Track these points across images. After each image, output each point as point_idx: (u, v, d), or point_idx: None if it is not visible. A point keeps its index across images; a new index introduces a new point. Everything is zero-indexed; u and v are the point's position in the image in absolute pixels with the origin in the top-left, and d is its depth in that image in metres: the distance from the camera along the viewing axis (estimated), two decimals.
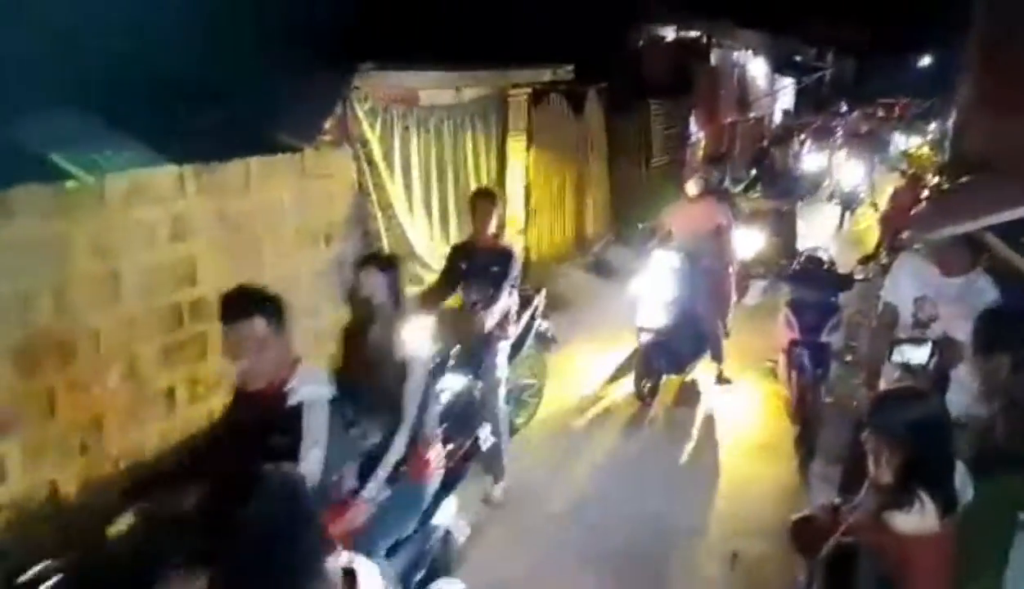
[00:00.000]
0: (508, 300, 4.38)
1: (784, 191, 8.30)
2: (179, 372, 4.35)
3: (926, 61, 20.56)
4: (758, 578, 3.80)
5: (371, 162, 5.55)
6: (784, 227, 7.92)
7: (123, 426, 4.07)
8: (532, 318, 4.95)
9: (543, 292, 5.24)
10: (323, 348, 5.31)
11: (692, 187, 5.92)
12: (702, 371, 6.03)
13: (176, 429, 4.35)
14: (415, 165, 6.05)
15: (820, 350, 4.70)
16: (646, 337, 5.52)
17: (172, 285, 4.26)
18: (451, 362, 4.37)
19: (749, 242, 7.12)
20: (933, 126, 14.28)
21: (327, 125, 5.23)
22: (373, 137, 5.55)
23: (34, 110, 3.79)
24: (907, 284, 3.45)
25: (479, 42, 6.74)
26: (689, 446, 5.16)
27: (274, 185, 4.86)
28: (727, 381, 5.97)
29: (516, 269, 4.38)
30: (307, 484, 1.45)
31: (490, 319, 4.23)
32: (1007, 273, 3.37)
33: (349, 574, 1.43)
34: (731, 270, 6.30)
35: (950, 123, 12.25)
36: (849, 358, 5.37)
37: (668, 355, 5.56)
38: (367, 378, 3.01)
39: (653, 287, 5.49)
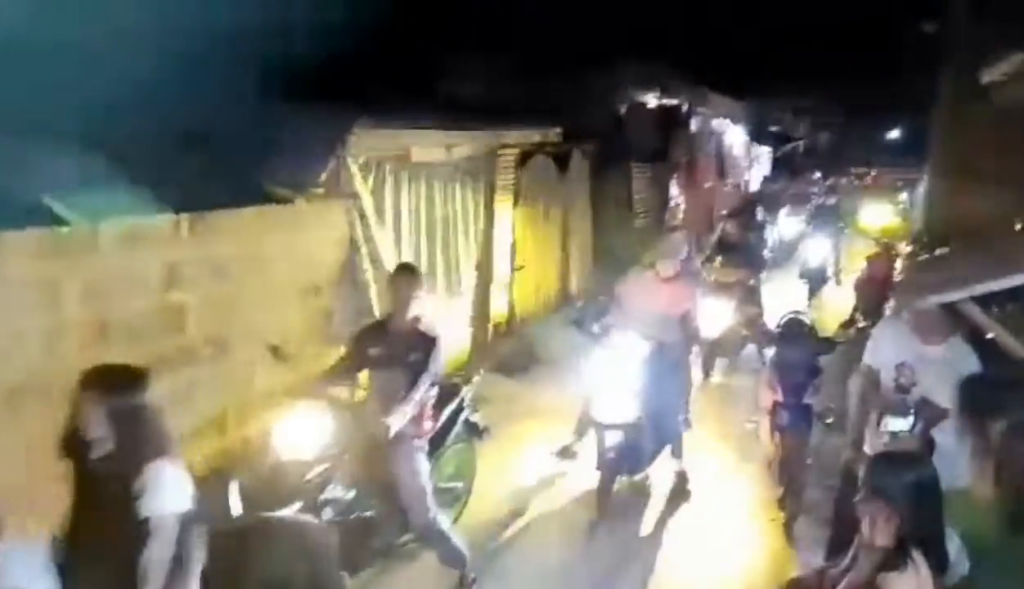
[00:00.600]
0: (424, 395, 3.72)
1: (747, 262, 7.55)
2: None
3: (897, 134, 21.39)
4: None
5: (362, 215, 5.63)
6: (750, 301, 7.38)
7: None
8: (457, 411, 4.32)
9: (474, 381, 4.63)
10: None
11: (666, 267, 5.03)
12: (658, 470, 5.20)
13: None
14: (406, 220, 6.14)
15: (802, 411, 4.76)
16: (609, 436, 4.69)
17: (161, 332, 4.25)
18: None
19: (715, 318, 6.74)
20: (904, 196, 14.76)
21: (321, 178, 5.31)
22: (365, 191, 5.63)
23: (31, 154, 3.82)
24: (888, 349, 3.52)
25: (471, 103, 6.95)
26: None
27: (267, 235, 4.90)
28: (686, 481, 5.19)
29: (439, 360, 3.77)
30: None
31: (398, 420, 3.52)
32: (983, 341, 3.48)
33: None
34: (693, 354, 5.94)
35: (920, 192, 12.71)
36: (830, 420, 5.43)
37: (631, 454, 4.78)
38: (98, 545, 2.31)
39: (613, 375, 4.70)
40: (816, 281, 10.29)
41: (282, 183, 5.12)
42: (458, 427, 4.31)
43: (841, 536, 3.55)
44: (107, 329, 3.94)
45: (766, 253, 9.43)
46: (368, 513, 3.74)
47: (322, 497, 3.53)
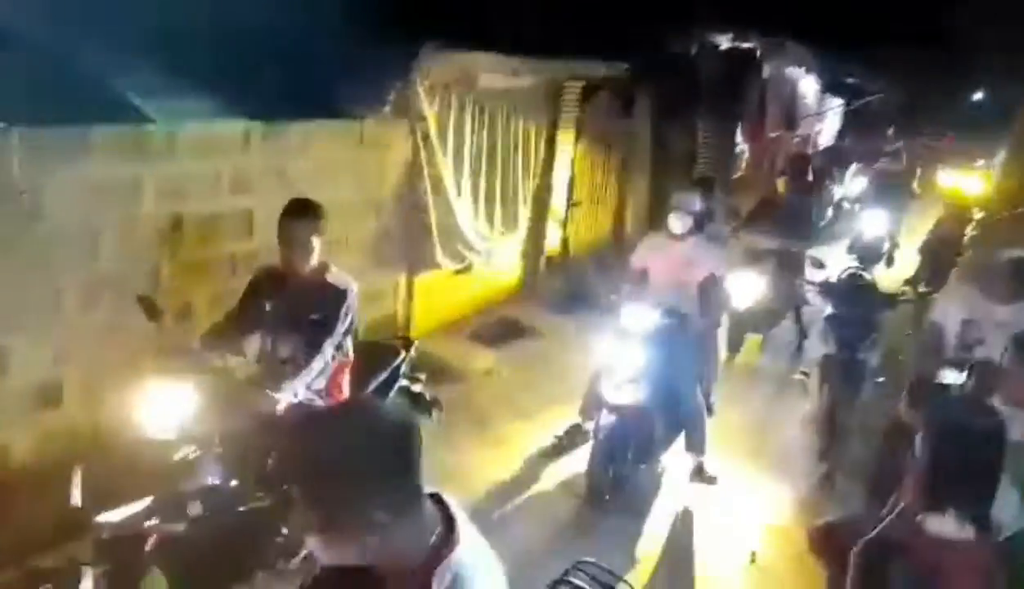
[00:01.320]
0: (328, 362, 3.17)
1: (791, 229, 6.22)
2: None
3: (979, 96, 20.31)
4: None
5: (426, 139, 5.65)
6: (789, 271, 6.19)
7: (175, 371, 4.20)
8: (390, 381, 3.65)
9: (413, 347, 3.98)
10: (362, 315, 5.49)
11: (676, 223, 4.41)
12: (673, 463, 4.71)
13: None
14: (467, 146, 6.14)
15: (855, 366, 4.71)
16: (609, 418, 4.19)
17: (231, 235, 4.39)
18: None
19: (746, 290, 5.77)
20: (981, 162, 14.08)
21: (389, 99, 5.33)
22: (430, 114, 5.63)
23: (120, 54, 3.92)
24: (955, 308, 3.51)
25: (539, 31, 6.81)
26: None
27: (333, 150, 4.98)
28: (711, 479, 4.59)
29: (349, 319, 3.19)
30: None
31: (288, 393, 2.99)
32: None
33: (440, 502, 1.39)
34: (719, 330, 5.18)
35: (996, 160, 12.12)
36: (882, 379, 5.37)
37: (639, 440, 4.25)
38: None
39: (623, 352, 4.19)
40: (868, 258, 8.30)
41: (352, 101, 5.15)
42: (390, 400, 3.54)
43: (879, 493, 3.56)
44: (181, 228, 4.09)
45: (821, 221, 7.91)
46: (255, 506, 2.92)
47: (188, 487, 2.79)
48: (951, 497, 2.10)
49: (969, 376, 3.23)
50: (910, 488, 2.26)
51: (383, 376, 3.63)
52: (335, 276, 3.24)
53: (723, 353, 5.85)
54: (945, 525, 2.09)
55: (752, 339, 6.55)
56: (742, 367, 6.37)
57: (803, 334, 6.80)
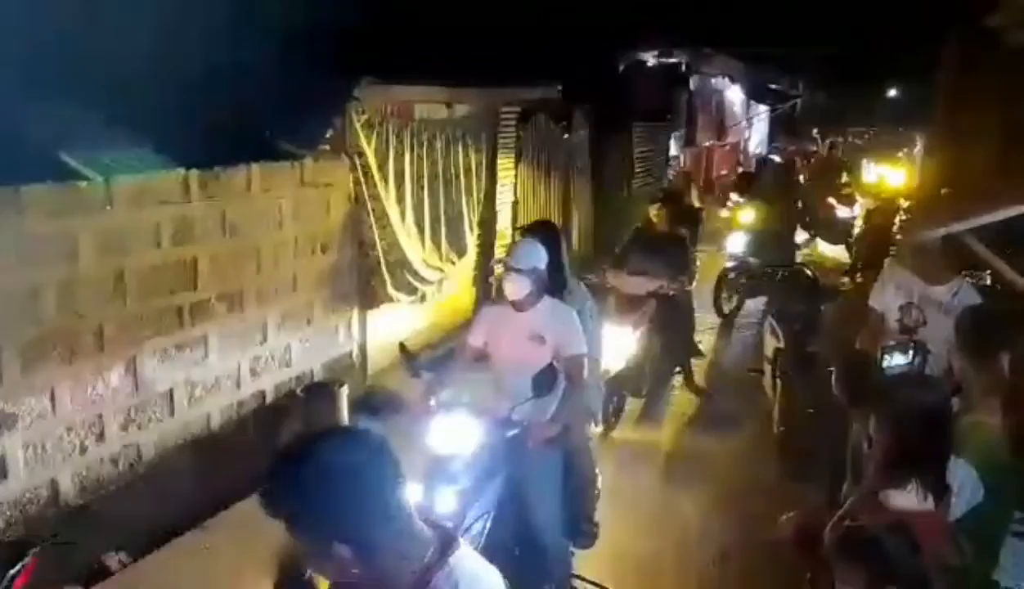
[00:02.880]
0: None
1: (669, 264, 5.52)
2: (179, 374, 4.39)
3: (895, 92, 21.27)
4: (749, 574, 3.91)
5: (367, 173, 5.66)
6: (667, 322, 5.52)
7: (124, 426, 4.09)
8: None
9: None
10: (316, 355, 5.44)
11: (508, 286, 3.32)
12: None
13: (175, 431, 4.38)
14: (409, 177, 6.17)
15: (805, 359, 4.87)
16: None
17: (175, 287, 4.31)
18: None
19: (615, 347, 4.92)
20: (903, 153, 14.74)
21: (327, 136, 5.34)
22: (369, 149, 5.65)
23: (46, 109, 3.84)
24: (892, 292, 3.62)
25: (472, 60, 6.92)
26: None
27: (274, 192, 4.94)
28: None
29: None
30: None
31: None
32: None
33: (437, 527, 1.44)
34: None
35: (916, 150, 12.72)
36: (831, 368, 5.52)
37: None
38: None
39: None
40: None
41: (290, 142, 5.15)
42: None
43: (838, 477, 3.66)
44: (122, 282, 4.00)
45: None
46: None
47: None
48: (911, 472, 2.21)
49: (915, 357, 3.36)
50: (871, 468, 2.35)
51: None
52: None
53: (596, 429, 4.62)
54: (907, 499, 2.18)
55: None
56: (620, 444, 5.25)
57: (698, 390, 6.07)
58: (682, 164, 12.58)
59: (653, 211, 5.96)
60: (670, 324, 5.49)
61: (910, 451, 2.24)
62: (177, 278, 4.32)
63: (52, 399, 3.73)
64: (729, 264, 7.25)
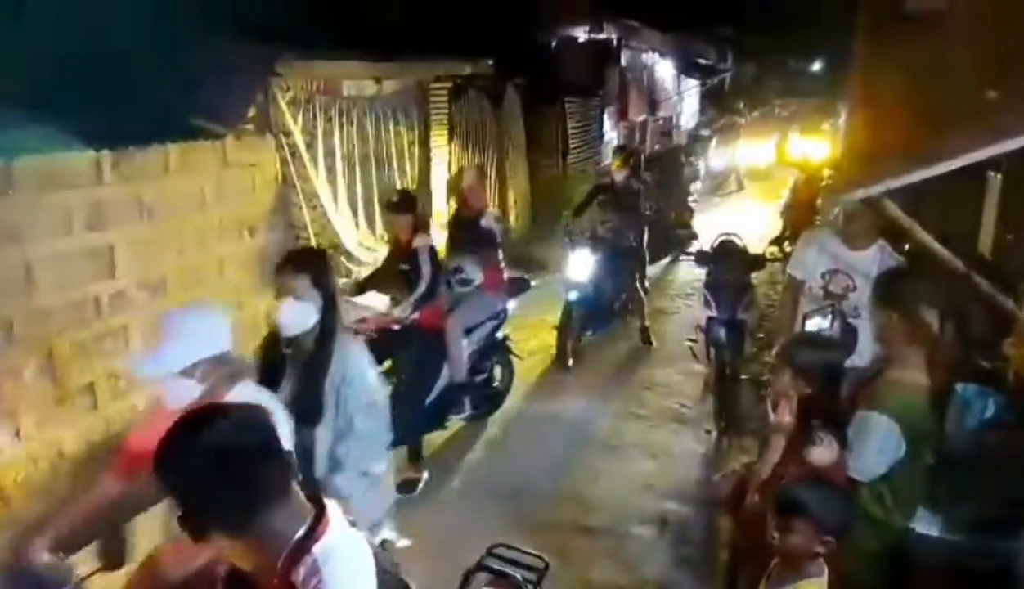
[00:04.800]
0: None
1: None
2: (99, 367, 4.18)
3: (818, 65, 21.87)
4: (686, 540, 3.99)
5: (294, 153, 5.49)
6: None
7: (41, 424, 3.88)
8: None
9: None
10: (245, 341, 5.26)
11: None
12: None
13: (98, 428, 4.18)
14: (338, 156, 6.02)
15: (736, 327, 4.98)
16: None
17: (90, 276, 4.09)
18: None
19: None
20: (827, 125, 15.19)
21: (249, 114, 5.14)
22: (296, 127, 5.48)
23: None
24: (814, 258, 3.63)
25: (400, 34, 6.76)
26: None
27: (195, 173, 4.74)
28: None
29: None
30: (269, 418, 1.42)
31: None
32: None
33: (315, 499, 1.44)
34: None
35: (839, 122, 13.10)
36: (761, 335, 5.70)
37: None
38: None
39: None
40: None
41: (210, 118, 4.93)
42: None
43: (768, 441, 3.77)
44: (32, 273, 3.77)
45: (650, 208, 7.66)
46: None
47: None
48: (824, 427, 2.31)
49: (833, 321, 3.43)
50: (792, 426, 2.45)
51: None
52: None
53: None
54: (824, 454, 2.28)
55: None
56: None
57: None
58: (618, 140, 12.66)
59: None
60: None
61: (821, 408, 2.35)
62: (92, 266, 4.10)
63: None
64: None
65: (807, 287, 3.66)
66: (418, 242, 4.34)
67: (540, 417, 5.27)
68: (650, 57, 14.73)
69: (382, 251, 6.64)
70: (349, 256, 6.13)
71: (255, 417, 1.40)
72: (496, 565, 2.37)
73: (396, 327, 4.24)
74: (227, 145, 4.95)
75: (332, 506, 1.44)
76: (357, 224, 6.31)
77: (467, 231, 4.88)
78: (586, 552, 3.87)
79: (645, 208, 6.85)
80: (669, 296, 8.24)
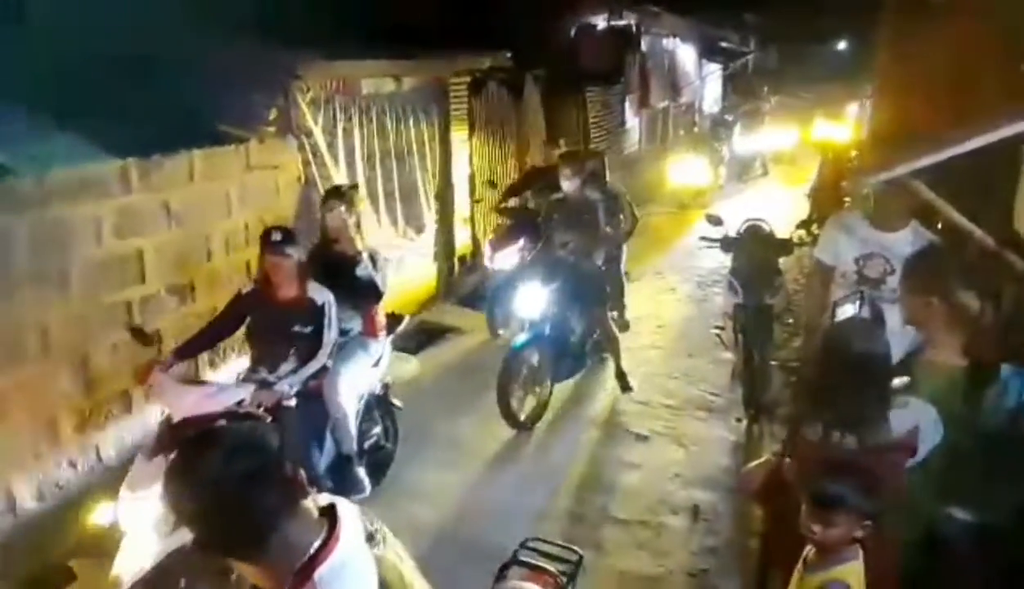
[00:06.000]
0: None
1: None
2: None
3: (843, 47, 21.47)
4: (717, 529, 3.97)
5: (316, 153, 5.53)
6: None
7: (79, 428, 3.98)
8: None
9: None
10: None
11: None
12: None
13: (134, 430, 4.27)
14: (359, 155, 6.05)
15: (763, 313, 4.92)
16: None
17: (121, 282, 4.17)
18: None
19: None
20: (853, 108, 14.92)
21: (270, 116, 5.19)
22: (317, 128, 5.52)
23: None
24: (844, 243, 3.47)
25: (417, 31, 6.77)
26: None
27: (219, 177, 4.80)
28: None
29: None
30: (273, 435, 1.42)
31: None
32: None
33: (329, 512, 1.45)
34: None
35: (866, 102, 12.85)
36: (790, 321, 5.63)
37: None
38: None
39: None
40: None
41: (232, 123, 4.99)
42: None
43: (795, 427, 3.70)
44: (67, 281, 3.86)
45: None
46: None
47: None
48: (838, 414, 2.29)
49: (860, 308, 3.33)
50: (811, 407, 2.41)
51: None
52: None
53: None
54: (833, 440, 2.26)
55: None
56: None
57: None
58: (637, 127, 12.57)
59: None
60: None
61: (835, 395, 2.31)
62: (123, 272, 4.18)
63: (3, 408, 3.60)
64: None
65: (838, 273, 3.51)
66: (315, 293, 3.61)
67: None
68: (671, 42, 14.57)
69: (404, 246, 6.71)
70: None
71: (251, 440, 1.38)
72: (530, 559, 2.38)
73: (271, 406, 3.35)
74: (250, 148, 5.00)
75: (347, 514, 1.42)
76: (379, 221, 6.34)
77: (340, 275, 3.86)
78: (619, 542, 3.87)
79: (608, 223, 5.52)
80: (695, 283, 8.18)
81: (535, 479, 4.42)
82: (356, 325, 4.11)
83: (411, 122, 6.74)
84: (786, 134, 16.34)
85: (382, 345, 4.21)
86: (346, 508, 1.44)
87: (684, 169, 12.58)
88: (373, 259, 3.99)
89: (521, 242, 6.07)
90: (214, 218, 4.78)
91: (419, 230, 6.98)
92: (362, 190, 6.05)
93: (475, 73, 7.65)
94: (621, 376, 5.45)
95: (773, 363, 5.27)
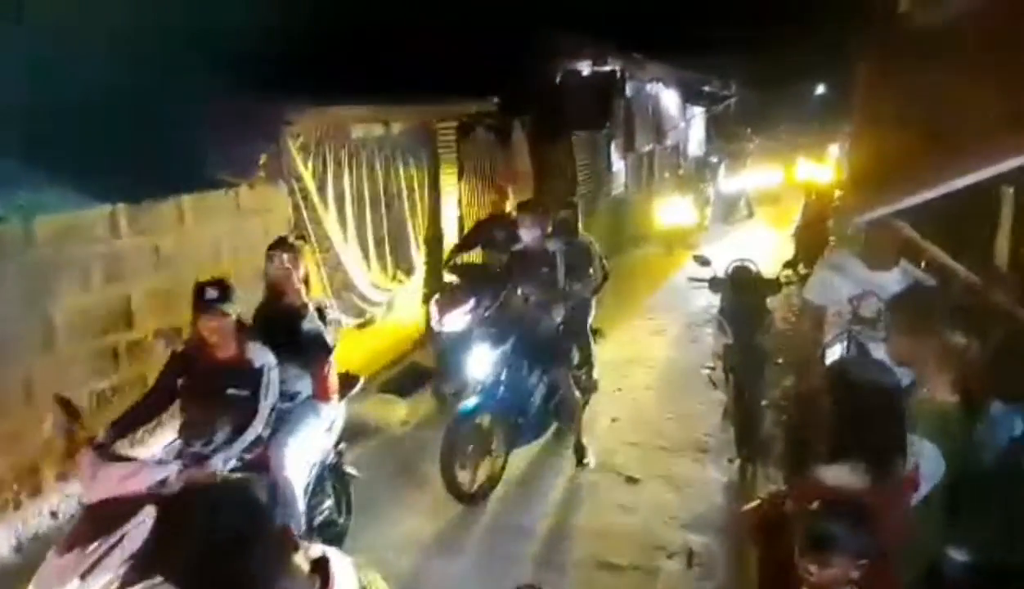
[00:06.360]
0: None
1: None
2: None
3: (822, 89, 21.99)
4: (713, 572, 3.91)
5: (306, 197, 5.56)
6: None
7: (62, 476, 3.90)
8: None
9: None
10: None
11: None
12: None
13: None
14: (349, 199, 6.08)
15: (754, 352, 4.93)
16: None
17: (109, 327, 4.14)
18: None
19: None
20: (834, 149, 15.22)
21: (261, 161, 5.22)
22: (307, 172, 5.56)
23: None
24: (839, 283, 3.43)
25: (405, 77, 6.88)
26: None
27: (209, 222, 4.81)
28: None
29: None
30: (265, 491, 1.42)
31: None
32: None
33: (321, 566, 1.41)
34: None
35: (847, 144, 13.12)
36: (780, 360, 5.64)
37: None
38: None
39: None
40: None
41: (223, 169, 5.02)
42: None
43: (794, 467, 3.66)
44: (52, 327, 3.82)
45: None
46: None
47: None
48: (851, 451, 2.22)
49: (848, 348, 3.32)
50: (813, 446, 2.38)
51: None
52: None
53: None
54: (839, 476, 2.20)
55: None
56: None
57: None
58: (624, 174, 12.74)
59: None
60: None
61: (849, 431, 2.26)
62: (110, 318, 4.15)
63: None
64: None
65: (832, 312, 3.46)
66: (255, 354, 3.25)
67: None
68: (655, 87, 14.87)
69: (393, 289, 6.70)
70: (363, 297, 6.16)
71: (238, 497, 1.36)
72: None
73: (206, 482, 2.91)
74: (240, 193, 5.03)
75: (339, 569, 1.39)
76: (369, 265, 6.35)
77: (285, 331, 3.50)
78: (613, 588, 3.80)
79: (576, 277, 5.16)
80: (685, 323, 8.21)
81: (529, 522, 4.36)
82: (306, 387, 3.74)
83: (400, 166, 6.81)
84: (770, 175, 16.62)
85: (335, 409, 3.84)
86: (339, 561, 1.41)
87: (670, 210, 12.74)
88: (321, 313, 3.63)
89: (472, 302, 5.38)
90: (204, 262, 4.76)
91: (408, 272, 6.99)
92: (350, 233, 6.08)
93: (463, 118, 7.77)
94: (578, 448, 5.01)
95: (764, 402, 5.27)
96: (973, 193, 2.75)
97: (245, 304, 4.63)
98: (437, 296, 5.79)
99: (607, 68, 12.24)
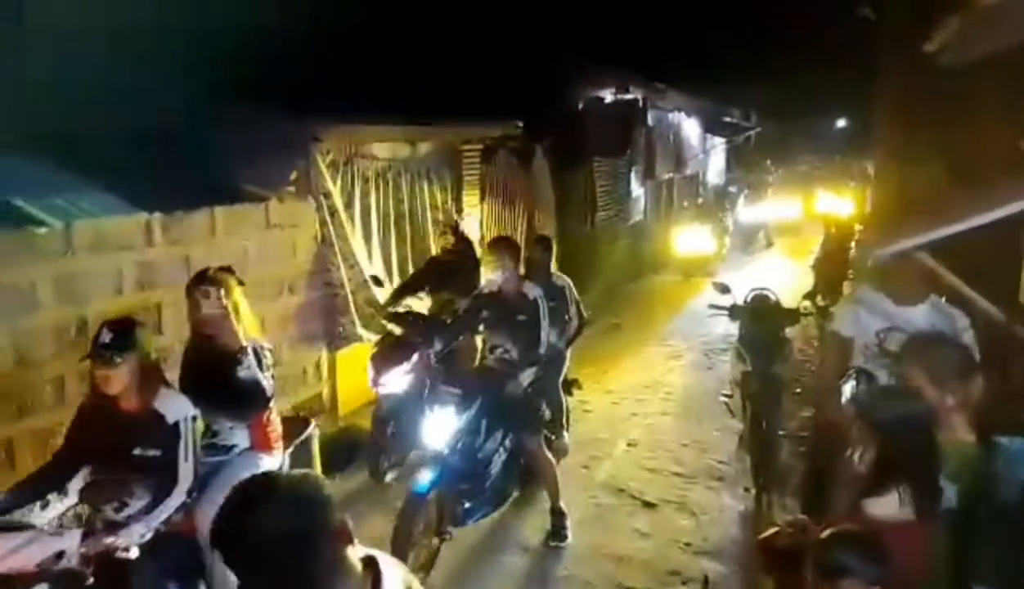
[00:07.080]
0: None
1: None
2: None
3: (843, 122, 22.07)
4: None
5: (333, 213, 5.66)
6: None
7: None
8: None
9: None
10: (285, 397, 5.36)
11: None
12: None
13: None
14: (375, 216, 6.19)
15: (771, 381, 4.93)
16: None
17: None
18: None
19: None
20: (853, 182, 15.22)
21: (291, 177, 5.34)
22: (335, 189, 5.67)
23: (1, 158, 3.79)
24: (866, 317, 3.43)
25: (432, 99, 7.01)
26: None
27: (239, 234, 4.91)
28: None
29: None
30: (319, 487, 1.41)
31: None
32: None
33: (371, 564, 1.45)
34: None
35: (869, 176, 13.13)
36: (798, 390, 5.64)
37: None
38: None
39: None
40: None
41: (254, 183, 5.14)
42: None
43: (813, 499, 3.62)
44: (85, 330, 3.91)
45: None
46: None
47: None
48: (894, 481, 2.25)
49: (857, 384, 3.29)
50: (853, 478, 2.39)
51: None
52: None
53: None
54: (885, 507, 2.22)
55: None
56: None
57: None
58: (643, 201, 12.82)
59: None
60: None
61: (897, 463, 2.28)
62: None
63: (10, 455, 3.61)
64: None
65: (860, 344, 3.44)
66: (167, 406, 2.83)
67: None
68: (676, 116, 14.98)
69: (415, 306, 6.76)
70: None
71: (302, 492, 1.39)
72: None
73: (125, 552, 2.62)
74: (270, 207, 5.14)
75: (389, 570, 1.43)
76: (391, 281, 6.43)
77: (218, 378, 3.14)
78: None
79: (549, 324, 4.52)
80: (702, 350, 8.22)
81: (546, 546, 4.37)
82: (243, 439, 3.29)
83: (425, 185, 6.91)
84: (790, 206, 16.64)
85: (279, 460, 3.39)
86: (387, 563, 1.45)
87: (689, 238, 12.79)
88: (258, 356, 3.22)
89: (414, 359, 4.78)
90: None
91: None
92: (375, 251, 6.18)
93: (487, 141, 7.89)
94: (557, 514, 4.41)
95: (781, 432, 5.26)
96: (996, 228, 2.78)
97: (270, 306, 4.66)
98: (373, 351, 5.12)
99: (629, 96, 12.38)
